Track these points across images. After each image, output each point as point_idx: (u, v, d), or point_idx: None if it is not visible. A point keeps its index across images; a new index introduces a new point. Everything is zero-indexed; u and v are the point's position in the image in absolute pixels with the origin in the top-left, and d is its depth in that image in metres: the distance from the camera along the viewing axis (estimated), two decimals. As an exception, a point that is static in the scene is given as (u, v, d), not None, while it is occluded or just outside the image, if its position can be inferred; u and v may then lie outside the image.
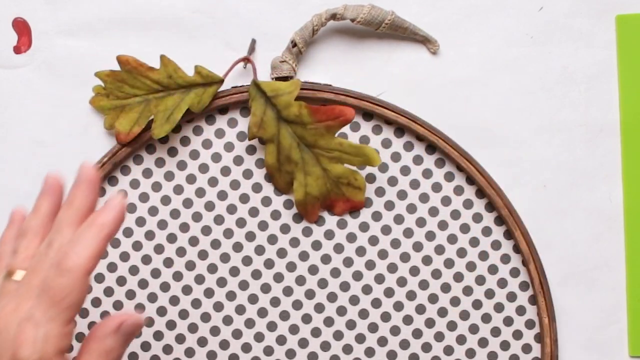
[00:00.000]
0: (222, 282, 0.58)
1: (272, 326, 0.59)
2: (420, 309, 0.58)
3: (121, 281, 0.58)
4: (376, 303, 0.58)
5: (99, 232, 0.43)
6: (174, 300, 0.58)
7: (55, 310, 0.42)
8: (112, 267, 0.58)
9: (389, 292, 0.58)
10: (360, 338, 0.58)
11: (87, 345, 0.44)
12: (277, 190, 0.58)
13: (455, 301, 0.58)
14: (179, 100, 0.56)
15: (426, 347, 0.58)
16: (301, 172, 0.56)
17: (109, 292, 0.58)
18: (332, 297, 0.58)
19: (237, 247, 0.59)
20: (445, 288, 0.58)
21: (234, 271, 0.59)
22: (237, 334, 0.59)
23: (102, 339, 0.44)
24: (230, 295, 0.58)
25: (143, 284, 0.58)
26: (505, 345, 0.58)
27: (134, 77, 0.56)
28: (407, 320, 0.58)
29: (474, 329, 0.58)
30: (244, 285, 0.59)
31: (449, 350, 0.58)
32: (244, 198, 0.58)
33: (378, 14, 0.57)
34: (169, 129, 0.56)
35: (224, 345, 0.59)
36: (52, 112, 0.58)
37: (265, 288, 0.59)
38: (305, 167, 0.56)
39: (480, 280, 0.58)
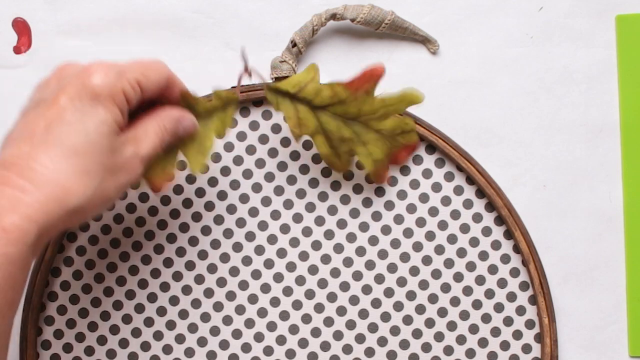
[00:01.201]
0: (222, 282, 0.58)
1: (272, 326, 0.59)
2: (420, 309, 0.58)
3: (121, 281, 0.58)
4: (376, 303, 0.58)
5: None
6: (174, 300, 0.58)
7: (138, 67, 0.48)
8: (112, 267, 0.58)
9: (389, 292, 0.58)
10: (360, 338, 0.58)
11: (152, 117, 0.49)
12: (278, 190, 0.59)
13: (455, 301, 0.58)
14: (204, 129, 0.54)
15: (426, 347, 0.58)
16: (359, 144, 0.56)
17: (108, 292, 0.58)
18: (332, 297, 0.58)
19: (237, 247, 0.59)
20: (445, 288, 0.58)
21: (234, 271, 0.59)
22: (237, 334, 0.59)
23: (165, 118, 0.50)
24: (230, 295, 0.58)
25: (143, 283, 0.59)
26: (505, 345, 0.58)
27: None
28: (407, 320, 0.58)
29: (474, 329, 0.58)
30: (243, 285, 0.59)
31: (449, 350, 0.58)
32: (244, 198, 0.58)
33: (378, 14, 0.57)
34: (204, 160, 0.54)
35: (224, 345, 0.59)
36: (52, 112, 0.58)
37: (265, 288, 0.59)
38: (360, 138, 0.56)
39: (480, 280, 0.58)
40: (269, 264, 0.58)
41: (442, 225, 0.58)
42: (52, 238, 0.46)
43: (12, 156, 0.45)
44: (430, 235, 0.58)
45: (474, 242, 0.58)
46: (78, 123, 0.45)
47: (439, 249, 0.58)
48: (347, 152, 0.56)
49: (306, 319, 0.58)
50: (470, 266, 0.58)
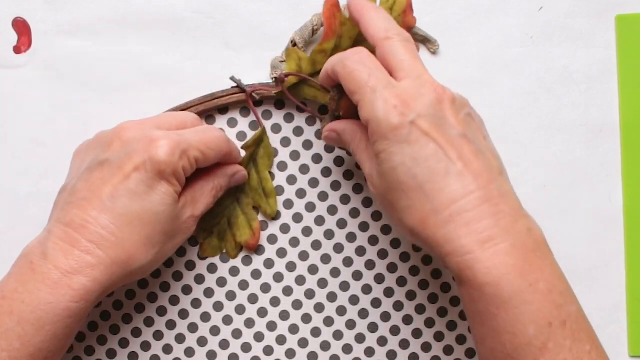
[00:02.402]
0: (221, 281, 0.59)
1: (272, 326, 0.59)
2: (420, 309, 0.58)
3: (121, 281, 0.58)
4: (376, 303, 0.58)
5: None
6: (174, 300, 0.58)
7: (201, 146, 0.51)
8: (112, 267, 0.58)
9: (388, 292, 0.58)
10: (360, 338, 0.58)
11: (208, 177, 0.53)
12: (278, 190, 0.58)
13: (455, 301, 0.58)
14: (257, 174, 0.58)
15: (426, 347, 0.58)
16: None
17: (109, 292, 0.58)
18: (332, 297, 0.58)
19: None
20: (445, 288, 0.58)
21: (234, 271, 0.59)
22: (237, 334, 0.59)
23: (220, 177, 0.54)
24: (230, 295, 0.58)
25: (143, 283, 0.59)
26: (505, 345, 0.58)
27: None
28: (407, 320, 0.58)
29: (473, 329, 0.58)
30: (243, 285, 0.59)
31: (448, 350, 0.58)
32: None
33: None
34: (275, 201, 0.58)
35: (224, 345, 0.59)
36: (52, 112, 0.58)
37: (265, 288, 0.59)
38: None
39: (480, 280, 0.58)
40: (269, 263, 0.59)
41: (442, 225, 0.58)
42: (109, 292, 0.51)
43: (80, 218, 0.48)
44: (430, 235, 0.58)
45: (474, 242, 0.58)
46: (143, 194, 0.48)
47: (439, 249, 0.58)
48: None
49: (306, 319, 0.59)
50: (470, 266, 0.58)
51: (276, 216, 0.58)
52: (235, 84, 0.57)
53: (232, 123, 0.58)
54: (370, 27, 0.49)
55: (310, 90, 0.57)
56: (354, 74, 0.47)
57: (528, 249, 0.44)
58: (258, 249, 0.58)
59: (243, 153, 0.57)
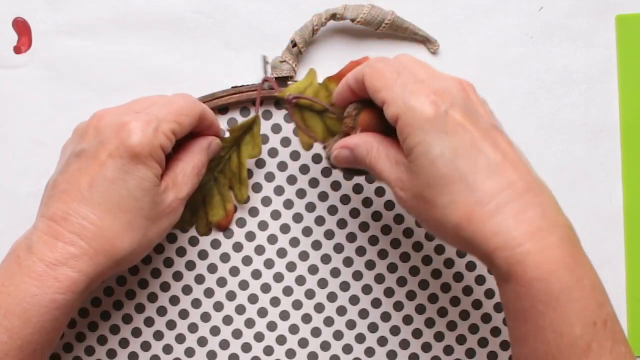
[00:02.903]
0: (222, 281, 0.59)
1: (272, 326, 0.59)
2: (420, 309, 0.58)
3: (121, 281, 0.58)
4: (376, 303, 0.58)
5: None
6: (174, 300, 0.59)
7: (171, 116, 0.49)
8: (112, 267, 0.58)
9: (388, 292, 0.58)
10: (360, 338, 0.58)
11: (185, 156, 0.52)
12: (278, 190, 0.59)
13: (455, 301, 0.58)
14: (236, 158, 0.57)
15: (426, 347, 0.58)
16: None
17: (108, 291, 0.58)
18: (332, 297, 0.58)
19: (237, 247, 0.59)
20: (445, 288, 0.58)
21: (234, 271, 0.59)
22: (237, 334, 0.59)
23: (197, 153, 0.53)
24: (230, 295, 0.58)
25: (143, 283, 0.59)
26: (505, 345, 0.58)
27: None
28: (407, 320, 0.58)
29: (473, 328, 0.58)
30: (243, 285, 0.59)
31: (448, 350, 0.58)
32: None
33: (378, 14, 0.57)
34: (247, 189, 0.58)
35: (224, 345, 0.59)
36: (52, 112, 0.58)
37: (265, 288, 0.59)
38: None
39: (480, 280, 0.58)
40: (269, 263, 0.59)
41: (442, 225, 0.58)
42: (98, 284, 0.51)
43: (61, 211, 0.48)
44: (430, 235, 0.58)
45: (474, 242, 0.58)
46: (120, 181, 0.48)
47: (439, 249, 0.58)
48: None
49: (306, 319, 0.59)
50: (470, 266, 0.58)
51: (276, 216, 0.58)
52: (264, 64, 0.58)
53: (232, 123, 0.58)
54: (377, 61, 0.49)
55: (298, 117, 0.56)
56: (382, 71, 0.46)
57: (572, 244, 0.43)
58: (258, 249, 0.59)
59: (228, 135, 0.57)
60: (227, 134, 0.57)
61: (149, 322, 0.59)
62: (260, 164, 0.59)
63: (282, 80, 0.57)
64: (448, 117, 0.43)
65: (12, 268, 0.47)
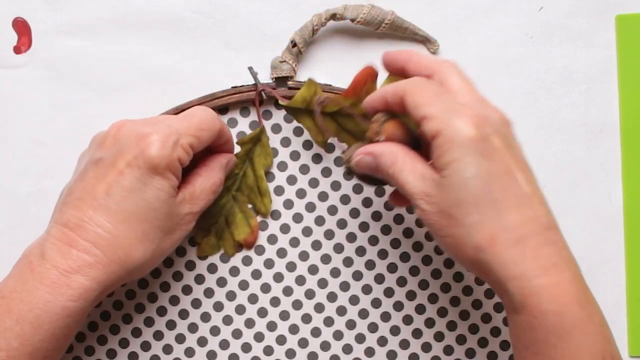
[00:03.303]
0: (221, 281, 0.58)
1: (272, 326, 0.59)
2: (420, 309, 0.58)
3: (121, 281, 0.58)
4: (376, 303, 0.58)
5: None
6: (174, 300, 0.58)
7: (191, 130, 0.50)
8: (112, 267, 0.58)
9: (388, 292, 0.58)
10: (360, 338, 0.58)
11: (205, 172, 0.53)
12: (278, 190, 0.59)
13: (455, 301, 0.58)
14: (253, 172, 0.57)
15: (426, 347, 0.58)
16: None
17: (109, 292, 0.58)
18: (332, 297, 0.58)
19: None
20: (445, 288, 0.58)
21: (234, 271, 0.59)
22: (237, 334, 0.59)
23: (215, 170, 0.53)
24: (230, 295, 0.58)
25: (143, 283, 0.59)
26: (505, 345, 0.58)
27: None
28: (407, 320, 0.58)
29: (473, 329, 0.58)
30: (243, 285, 0.59)
31: (448, 350, 0.58)
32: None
33: (378, 14, 0.57)
34: (270, 200, 0.58)
35: (224, 345, 0.59)
36: (52, 112, 0.58)
37: (265, 288, 0.59)
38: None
39: (480, 280, 0.58)
40: (269, 263, 0.58)
41: (442, 225, 0.58)
42: (109, 292, 0.51)
43: (76, 218, 0.48)
44: (429, 235, 0.58)
45: (474, 242, 0.58)
46: (137, 191, 0.48)
47: (439, 249, 0.58)
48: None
49: (306, 319, 0.59)
50: (470, 266, 0.58)
51: (276, 216, 0.58)
52: (251, 75, 0.57)
53: (232, 123, 0.58)
54: (421, 62, 0.49)
55: (307, 121, 0.56)
56: (425, 89, 0.46)
57: (582, 282, 0.44)
58: (258, 249, 0.58)
59: (238, 149, 0.57)
60: (237, 148, 0.57)
61: (149, 322, 0.58)
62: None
63: (282, 80, 0.57)
64: (489, 141, 0.44)
65: (24, 274, 0.47)
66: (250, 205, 0.58)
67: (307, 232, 0.59)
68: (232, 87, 0.58)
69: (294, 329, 0.59)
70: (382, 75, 0.53)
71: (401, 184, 0.47)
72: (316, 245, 0.58)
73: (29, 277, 0.47)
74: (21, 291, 0.47)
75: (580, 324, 0.43)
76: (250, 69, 0.57)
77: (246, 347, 0.59)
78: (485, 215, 0.43)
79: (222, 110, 0.58)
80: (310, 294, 0.58)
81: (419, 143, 0.49)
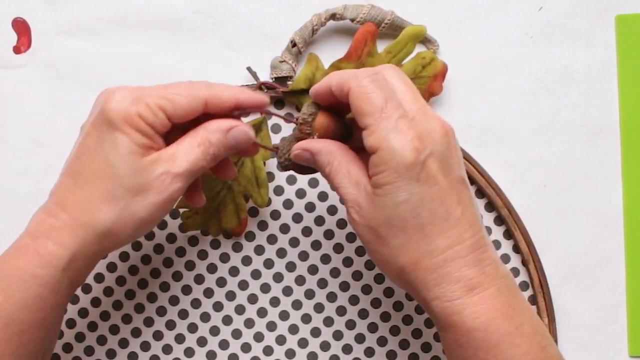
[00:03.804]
0: (221, 281, 0.58)
1: (271, 326, 0.59)
2: (420, 309, 0.58)
3: (121, 281, 0.58)
4: (376, 303, 0.58)
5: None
6: (174, 300, 0.58)
7: (162, 92, 0.47)
8: (111, 267, 0.58)
9: (388, 292, 0.58)
10: (359, 338, 0.58)
11: (195, 132, 0.48)
12: (278, 190, 0.59)
13: (455, 301, 0.58)
14: (251, 163, 0.57)
15: (426, 347, 0.58)
16: None
17: (108, 291, 0.58)
18: (331, 297, 0.58)
19: (237, 247, 0.59)
20: (445, 288, 0.58)
21: (234, 271, 0.59)
22: (236, 334, 0.59)
23: (210, 131, 0.48)
24: (230, 295, 0.58)
25: (143, 283, 0.59)
26: (505, 346, 0.58)
27: (205, 183, 0.57)
28: (407, 320, 0.58)
29: (473, 329, 0.58)
30: (243, 285, 0.59)
31: (448, 350, 0.58)
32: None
33: (378, 13, 0.57)
34: (267, 191, 0.57)
35: (224, 345, 0.59)
36: (52, 112, 0.59)
37: (265, 288, 0.59)
38: None
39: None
40: (268, 263, 0.58)
41: (442, 225, 0.58)
42: (92, 263, 0.48)
43: (56, 187, 0.48)
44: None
45: (474, 242, 0.58)
46: (98, 148, 0.46)
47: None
48: None
49: (306, 319, 0.58)
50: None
51: (276, 216, 0.58)
52: (250, 75, 0.57)
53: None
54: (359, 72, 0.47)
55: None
56: (369, 95, 0.44)
57: (510, 293, 0.45)
58: (258, 249, 0.58)
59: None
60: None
61: (149, 322, 0.58)
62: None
63: (282, 80, 0.57)
64: (425, 166, 0.44)
65: (8, 248, 0.47)
66: (245, 196, 0.57)
67: (307, 232, 0.58)
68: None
69: (293, 329, 0.59)
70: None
71: (335, 186, 0.47)
72: (316, 245, 0.58)
73: (8, 249, 0.47)
74: None
75: (507, 337, 0.43)
76: (248, 69, 0.57)
77: (246, 347, 0.59)
78: (411, 240, 0.44)
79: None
80: (310, 294, 0.58)
81: (351, 130, 0.50)
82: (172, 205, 0.48)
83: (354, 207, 0.46)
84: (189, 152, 0.47)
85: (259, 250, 0.59)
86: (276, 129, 0.58)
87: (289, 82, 0.57)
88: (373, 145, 0.44)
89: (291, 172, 0.58)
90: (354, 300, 0.58)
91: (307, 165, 0.50)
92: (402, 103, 0.44)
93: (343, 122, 0.50)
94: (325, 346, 0.59)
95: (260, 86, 0.57)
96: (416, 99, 0.45)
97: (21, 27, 0.59)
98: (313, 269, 0.58)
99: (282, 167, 0.51)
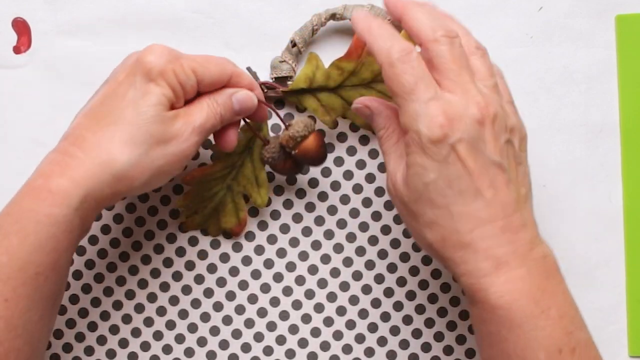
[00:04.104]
0: (221, 281, 0.58)
1: (271, 326, 0.59)
2: (420, 309, 0.58)
3: (121, 281, 0.58)
4: (376, 303, 0.58)
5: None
6: (174, 300, 0.58)
7: (198, 58, 0.50)
8: (111, 267, 0.58)
9: (388, 292, 0.58)
10: (360, 338, 0.58)
11: (202, 97, 0.51)
12: (278, 190, 0.59)
13: (454, 301, 0.58)
14: (251, 163, 0.57)
15: (426, 347, 0.58)
16: (391, 100, 0.56)
17: (108, 292, 0.58)
18: (331, 297, 0.58)
19: (237, 247, 0.59)
20: (445, 288, 0.58)
21: (234, 271, 0.59)
22: (237, 334, 0.59)
23: (217, 94, 0.51)
24: (230, 295, 0.58)
25: (143, 283, 0.59)
26: (505, 346, 0.58)
27: (205, 182, 0.57)
28: (407, 320, 0.58)
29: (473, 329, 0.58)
30: (243, 285, 0.59)
31: (448, 350, 0.58)
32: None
33: (378, 13, 0.57)
34: (266, 191, 0.57)
35: (224, 345, 0.59)
36: (52, 112, 0.59)
37: (265, 288, 0.59)
38: (388, 94, 0.56)
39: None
40: (268, 263, 0.58)
41: (442, 225, 0.58)
42: (101, 207, 0.48)
43: (71, 128, 0.49)
44: (430, 235, 0.58)
45: (474, 242, 0.58)
46: (129, 95, 0.48)
47: (439, 249, 0.58)
48: None
49: (306, 319, 0.58)
50: (470, 266, 0.58)
51: (276, 216, 0.58)
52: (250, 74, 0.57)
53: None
54: (414, 27, 0.46)
55: (312, 102, 0.56)
56: (400, 76, 0.45)
57: (542, 276, 0.45)
58: (258, 249, 0.58)
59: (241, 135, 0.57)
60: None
61: (149, 322, 0.58)
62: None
63: (282, 80, 0.57)
64: (453, 149, 0.44)
65: (18, 191, 0.47)
66: (244, 196, 0.57)
67: (307, 232, 0.59)
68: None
69: (293, 329, 0.59)
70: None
71: (382, 151, 0.50)
72: (316, 245, 0.58)
73: (18, 192, 0.47)
74: (9, 205, 0.47)
75: (531, 319, 0.44)
76: (248, 68, 0.57)
77: (246, 347, 0.59)
78: (439, 218, 0.45)
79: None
80: (310, 294, 0.58)
81: (324, 156, 0.55)
82: (185, 161, 0.50)
83: (391, 178, 0.48)
84: (201, 110, 0.50)
85: (259, 250, 0.59)
86: (276, 128, 0.58)
87: (289, 82, 0.57)
88: (404, 126, 0.45)
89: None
90: (354, 300, 0.58)
91: (284, 167, 0.55)
92: (442, 80, 0.45)
93: (324, 150, 0.54)
94: (325, 346, 0.59)
95: (261, 86, 0.57)
96: (460, 77, 0.45)
97: (21, 27, 0.59)
98: (313, 269, 0.58)
99: (265, 161, 0.55)
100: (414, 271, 0.58)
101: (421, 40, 0.46)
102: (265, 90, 0.57)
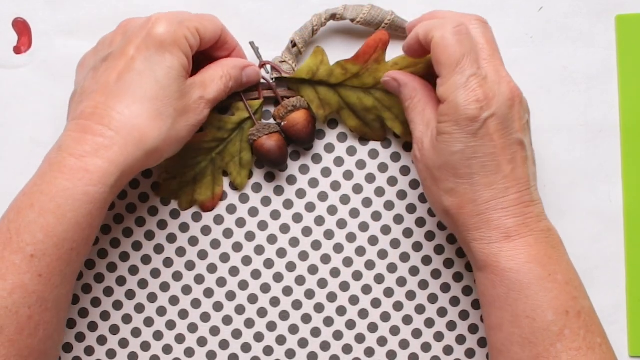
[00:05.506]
0: (221, 282, 0.59)
1: (272, 326, 0.59)
2: (420, 309, 0.58)
3: (121, 281, 0.58)
4: (376, 303, 0.58)
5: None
6: (174, 300, 0.59)
7: (195, 18, 0.52)
8: (111, 268, 0.58)
9: (388, 292, 0.58)
10: (360, 338, 0.58)
11: (217, 65, 0.54)
12: (278, 190, 0.59)
13: (454, 301, 0.58)
14: (239, 142, 0.57)
15: (426, 347, 0.58)
16: (384, 110, 0.57)
17: (108, 292, 0.58)
18: (331, 297, 0.58)
19: (237, 247, 0.59)
20: (445, 288, 0.58)
21: (234, 271, 0.59)
22: (236, 334, 0.59)
23: (231, 67, 0.54)
24: (230, 295, 0.58)
25: (143, 284, 0.59)
26: (505, 345, 0.58)
27: (191, 150, 0.56)
28: (407, 320, 0.58)
29: (473, 329, 0.58)
30: (243, 285, 0.59)
31: (448, 350, 0.58)
32: (244, 198, 0.59)
33: (378, 14, 0.57)
34: (247, 173, 0.58)
35: (224, 345, 0.59)
36: (52, 112, 0.59)
37: (265, 288, 0.59)
38: (384, 104, 0.56)
39: (480, 280, 0.58)
40: (268, 263, 0.59)
41: (442, 225, 0.58)
42: (130, 179, 0.50)
43: (90, 107, 0.49)
44: (430, 236, 0.58)
45: (474, 242, 0.58)
46: (147, 71, 0.49)
47: (439, 249, 0.58)
48: (375, 120, 0.57)
49: (306, 319, 0.59)
50: (469, 266, 0.58)
51: (276, 216, 0.58)
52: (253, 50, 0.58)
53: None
54: (447, 15, 0.51)
55: (310, 93, 0.56)
56: (449, 48, 0.47)
57: (548, 245, 0.48)
58: (258, 249, 0.58)
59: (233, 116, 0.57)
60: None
61: (149, 322, 0.59)
62: (260, 164, 0.59)
63: (282, 80, 0.57)
64: (484, 125, 0.47)
65: (43, 170, 0.48)
66: (224, 172, 0.58)
67: (307, 232, 0.59)
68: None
69: (293, 329, 0.59)
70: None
71: (409, 120, 0.52)
72: (316, 245, 0.58)
73: (47, 170, 0.48)
74: (40, 184, 0.47)
75: (539, 280, 0.47)
76: (251, 44, 0.57)
77: (246, 347, 0.59)
78: (459, 186, 0.48)
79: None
80: (310, 294, 0.58)
81: (312, 135, 0.56)
82: (196, 130, 0.53)
83: (418, 144, 0.51)
84: (215, 82, 0.53)
85: (259, 250, 0.59)
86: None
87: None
88: (442, 95, 0.48)
89: (291, 172, 0.58)
90: (353, 300, 0.58)
91: (267, 154, 0.56)
92: (479, 60, 0.48)
93: (312, 129, 0.56)
94: (325, 346, 0.59)
95: (262, 65, 0.57)
96: (493, 58, 0.49)
97: (21, 27, 0.59)
98: (313, 269, 0.59)
99: (249, 138, 0.56)
100: (414, 271, 0.58)
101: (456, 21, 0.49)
102: (269, 72, 0.57)
